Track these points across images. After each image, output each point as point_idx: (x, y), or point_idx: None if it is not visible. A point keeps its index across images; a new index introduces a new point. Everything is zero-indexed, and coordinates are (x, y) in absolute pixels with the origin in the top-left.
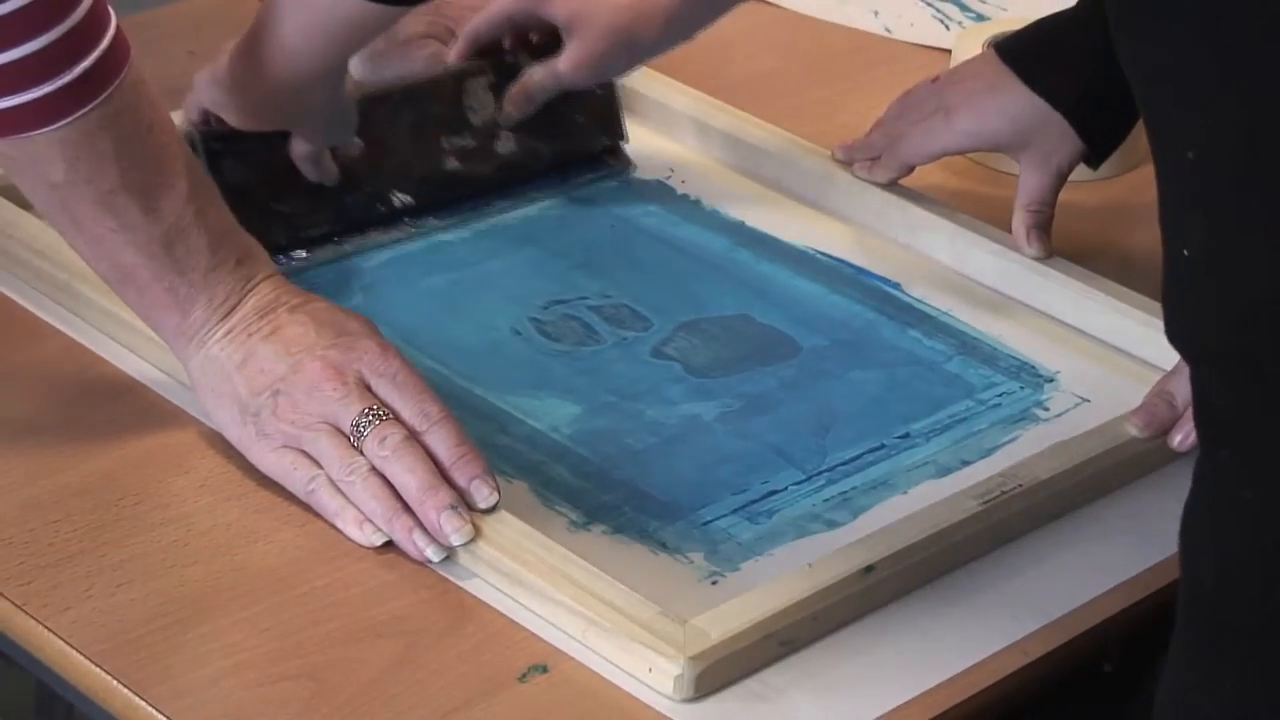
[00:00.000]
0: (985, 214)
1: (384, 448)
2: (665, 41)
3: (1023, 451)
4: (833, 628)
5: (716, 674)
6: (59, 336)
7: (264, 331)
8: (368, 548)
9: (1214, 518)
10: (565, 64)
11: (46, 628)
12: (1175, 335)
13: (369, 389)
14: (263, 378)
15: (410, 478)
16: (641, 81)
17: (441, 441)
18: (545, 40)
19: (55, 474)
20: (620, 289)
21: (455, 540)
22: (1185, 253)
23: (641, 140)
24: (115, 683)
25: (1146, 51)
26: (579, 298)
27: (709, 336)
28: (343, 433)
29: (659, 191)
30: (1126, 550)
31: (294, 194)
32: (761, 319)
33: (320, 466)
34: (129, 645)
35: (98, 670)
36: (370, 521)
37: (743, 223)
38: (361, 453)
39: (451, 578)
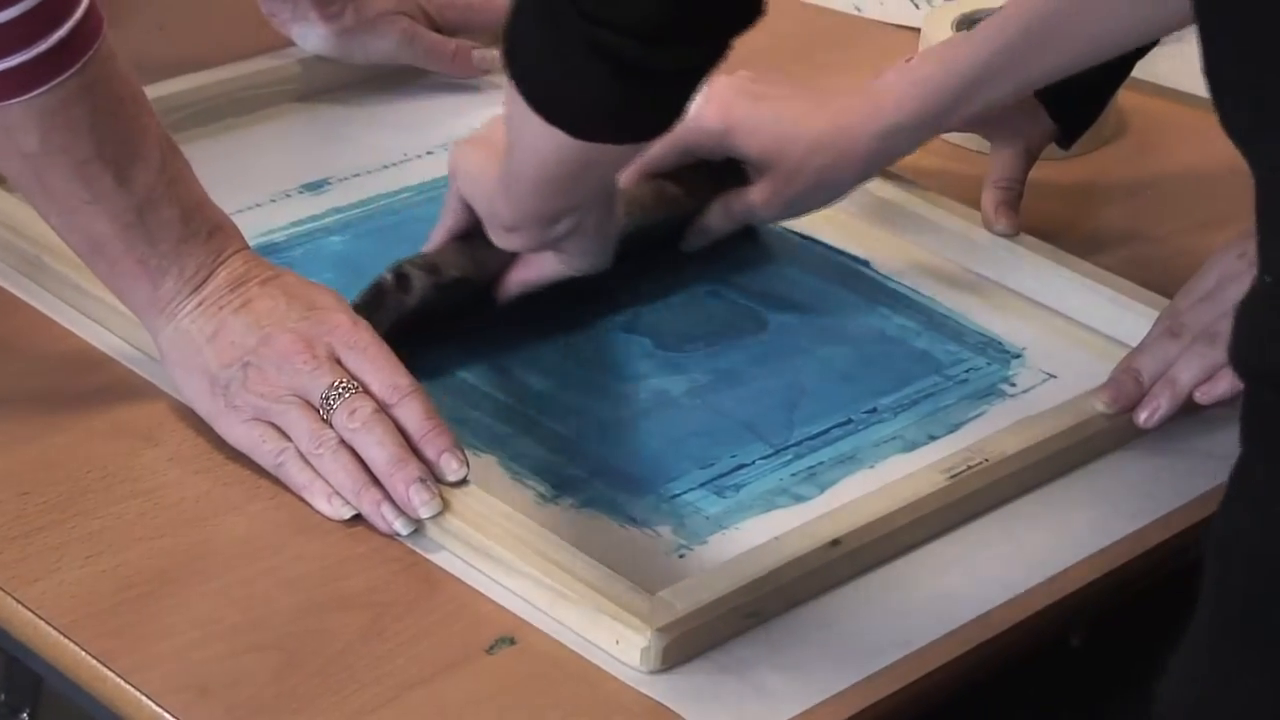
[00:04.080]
0: (954, 192)
1: (353, 420)
2: (859, 181)
3: (989, 427)
4: (799, 601)
5: (683, 646)
6: (27, 310)
7: (235, 304)
8: (336, 521)
9: (1258, 528)
10: (760, 199)
11: (14, 599)
12: (1241, 358)
13: (339, 362)
14: (233, 350)
15: (379, 450)
16: None
17: (411, 414)
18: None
19: (23, 446)
20: None
21: (424, 513)
22: (1268, 279)
23: None
24: (83, 654)
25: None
26: None
27: (678, 311)
28: (312, 405)
29: None
30: (1093, 525)
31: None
32: (731, 294)
33: (289, 439)
34: (97, 617)
35: (66, 641)
36: (339, 494)
37: None
38: (331, 425)
39: (420, 550)
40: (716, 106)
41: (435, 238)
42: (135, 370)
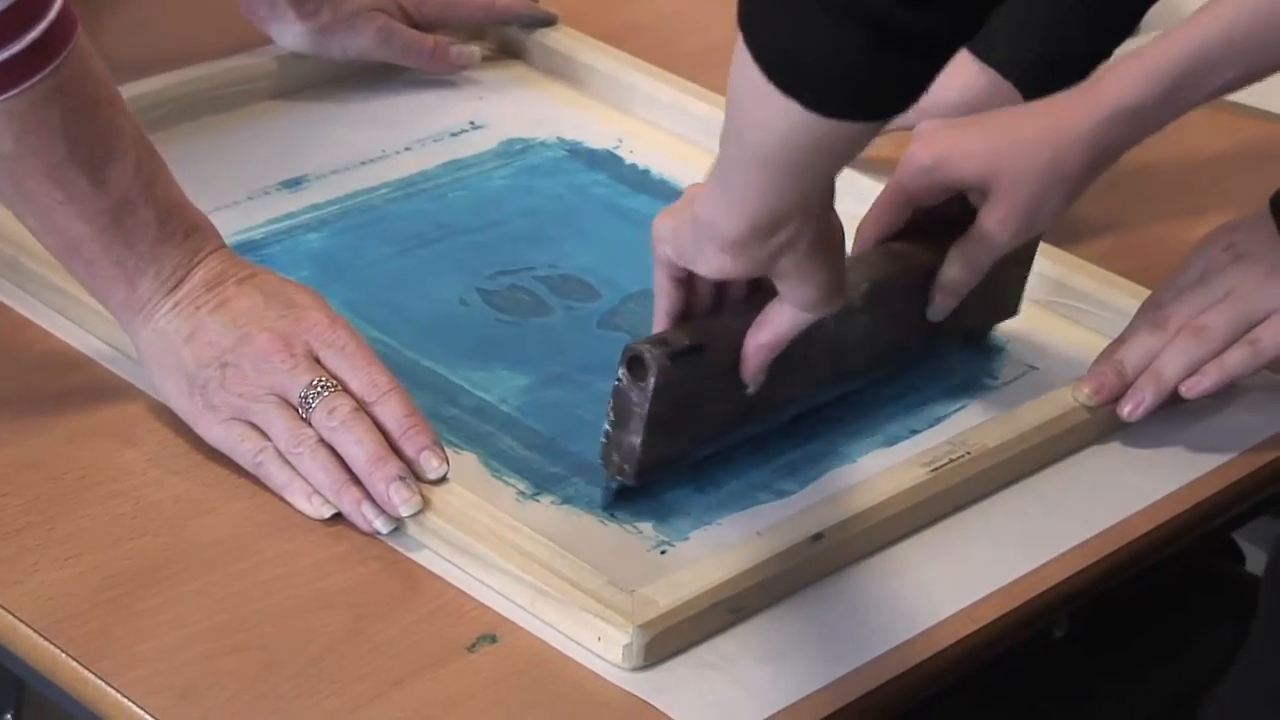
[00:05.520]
0: None
1: (332, 419)
2: (1088, 175)
3: (971, 420)
4: (782, 595)
5: (665, 642)
6: (4, 311)
7: (212, 304)
8: (316, 520)
9: None
10: (991, 222)
11: None
12: None
13: (317, 360)
14: (210, 349)
15: (359, 449)
16: (590, 54)
17: (390, 412)
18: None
19: (1, 448)
20: (568, 259)
21: (404, 511)
22: None
23: (590, 110)
24: (63, 656)
25: None
26: (526, 268)
27: None
28: (291, 404)
29: (608, 161)
30: (1075, 517)
31: (716, 405)
32: None
33: (268, 438)
34: (77, 618)
35: (45, 644)
36: (319, 493)
37: None
38: (310, 424)
39: (400, 549)
40: (922, 144)
41: (655, 327)
42: (113, 370)
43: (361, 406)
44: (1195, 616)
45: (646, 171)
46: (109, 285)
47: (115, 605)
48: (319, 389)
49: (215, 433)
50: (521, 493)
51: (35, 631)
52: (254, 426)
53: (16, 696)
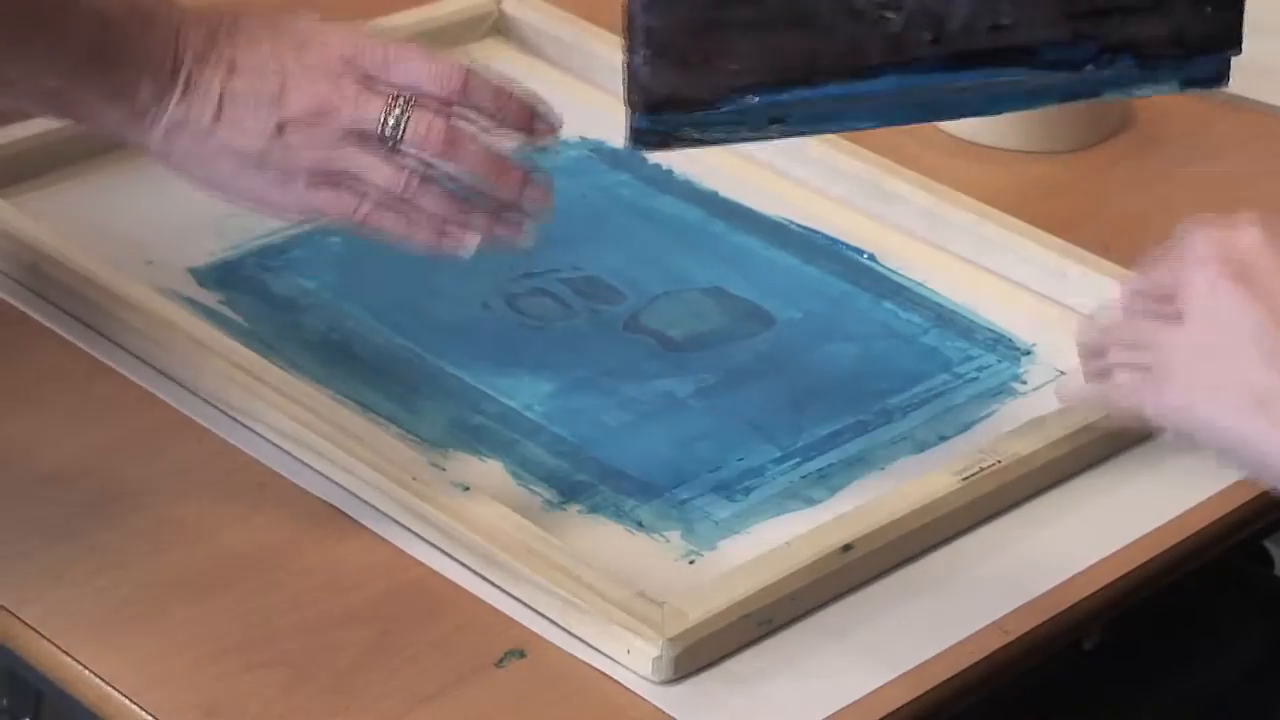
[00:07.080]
0: (960, 185)
1: (427, 146)
2: None
3: (1000, 426)
4: (812, 607)
5: (695, 655)
6: (23, 318)
7: (221, 73)
8: (462, 256)
9: None
10: None
11: (16, 617)
12: None
13: (368, 82)
14: (255, 119)
15: (475, 162)
16: (612, 52)
17: (480, 96)
18: None
19: (22, 462)
20: (592, 261)
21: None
22: None
23: (613, 109)
24: (87, 672)
25: None
26: (550, 270)
27: (683, 310)
28: (373, 138)
29: (631, 161)
30: (1107, 526)
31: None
32: (736, 291)
33: (359, 191)
34: (101, 634)
35: (69, 660)
36: (450, 224)
37: (716, 193)
38: (401, 152)
39: (427, 562)
40: None
41: None
42: (135, 380)
43: (444, 105)
44: (1224, 622)
45: (670, 171)
46: (107, 111)
47: (139, 620)
48: (397, 112)
49: (301, 200)
50: (548, 501)
51: (58, 648)
52: (338, 182)
53: (34, 708)
